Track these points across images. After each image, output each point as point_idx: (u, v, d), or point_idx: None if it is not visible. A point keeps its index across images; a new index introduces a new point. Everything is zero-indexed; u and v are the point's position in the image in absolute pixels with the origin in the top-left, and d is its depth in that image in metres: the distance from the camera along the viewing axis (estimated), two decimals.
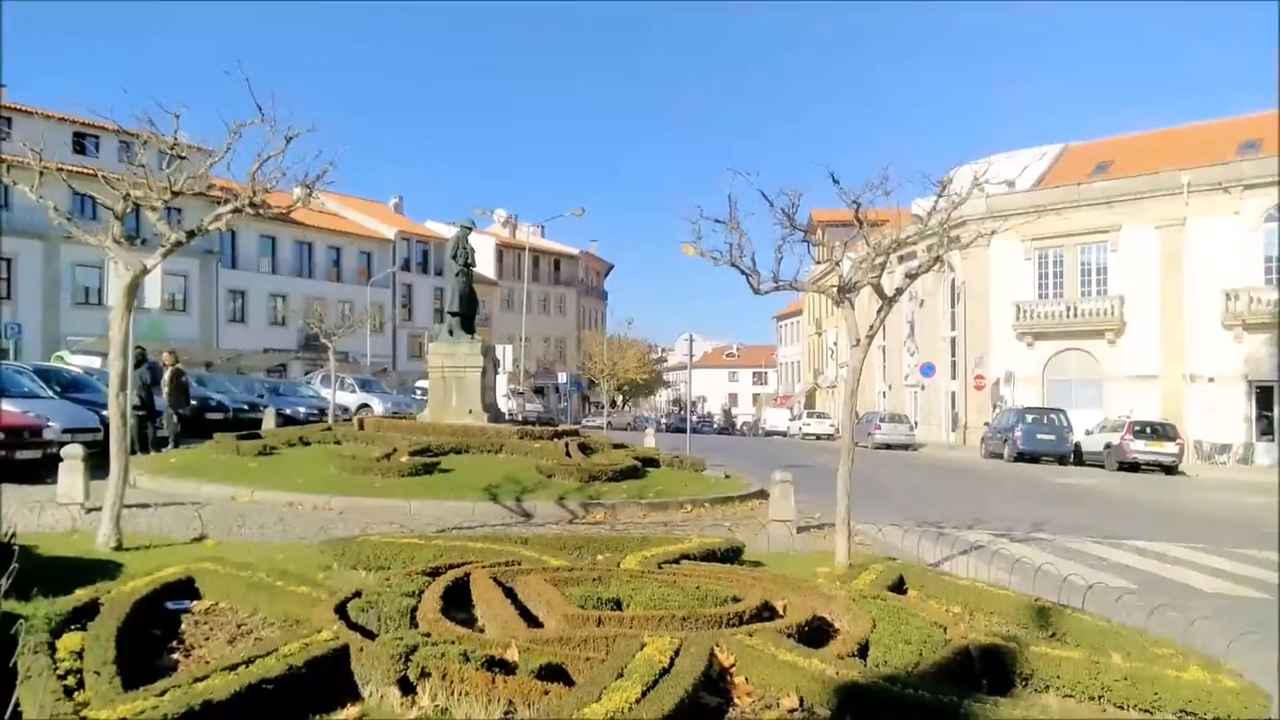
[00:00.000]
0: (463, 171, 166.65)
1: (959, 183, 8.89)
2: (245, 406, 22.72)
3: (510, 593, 5.37)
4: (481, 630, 4.87)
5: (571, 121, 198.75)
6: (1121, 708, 4.19)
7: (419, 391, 31.50)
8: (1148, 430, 29.29)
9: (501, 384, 28.69)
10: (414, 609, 4.82)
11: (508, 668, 4.05)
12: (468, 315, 16.96)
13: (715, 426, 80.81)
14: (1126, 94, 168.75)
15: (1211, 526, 14.34)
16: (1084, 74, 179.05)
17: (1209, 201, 34.44)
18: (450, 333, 16.82)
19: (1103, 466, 29.50)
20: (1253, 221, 33.63)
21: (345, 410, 26.11)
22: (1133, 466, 28.70)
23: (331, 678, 4.02)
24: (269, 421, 19.90)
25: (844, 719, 3.77)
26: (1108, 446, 29.76)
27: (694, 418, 63.22)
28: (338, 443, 14.87)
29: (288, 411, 23.52)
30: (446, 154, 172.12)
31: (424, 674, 3.88)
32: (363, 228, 57.22)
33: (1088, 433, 31.83)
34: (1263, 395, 33.62)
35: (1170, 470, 28.60)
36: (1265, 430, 33.61)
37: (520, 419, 29.38)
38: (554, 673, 4.05)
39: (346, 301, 48.94)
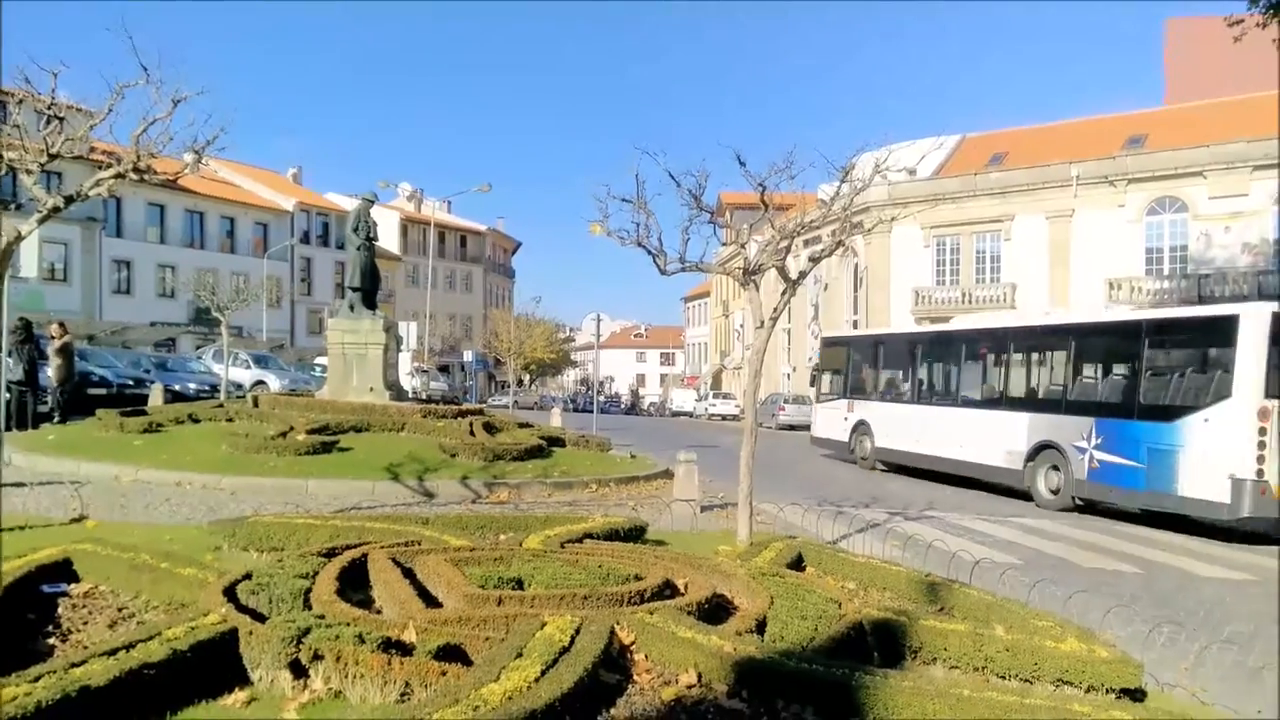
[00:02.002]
0: (366, 143, 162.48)
1: (861, 169, 9.06)
2: (130, 382, 21.71)
3: (409, 573, 5.27)
4: (379, 612, 4.78)
5: (479, 97, 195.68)
6: (1003, 677, 4.37)
7: (318, 368, 30.65)
8: None
9: (405, 361, 28.13)
10: (308, 591, 4.69)
11: (405, 649, 3.98)
12: (370, 291, 16.55)
13: (622, 406, 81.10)
14: (1021, 87, 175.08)
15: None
16: (983, 66, 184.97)
17: (1095, 194, 36.03)
18: (351, 308, 16.40)
19: None
20: (1135, 214, 35.34)
21: (239, 387, 25.24)
22: None
23: (219, 662, 3.88)
24: (156, 398, 19.07)
25: (740, 693, 3.83)
26: None
27: (601, 398, 63.28)
28: (230, 420, 14.36)
29: (177, 388, 22.59)
30: (349, 125, 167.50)
31: (317, 657, 3.79)
32: (259, 198, 55.17)
33: None
34: None
35: None
36: None
37: (424, 397, 28.89)
38: (453, 653, 3.99)
39: (241, 274, 47.14)
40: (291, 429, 12.82)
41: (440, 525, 6.98)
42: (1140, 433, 13.19)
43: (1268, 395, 11.71)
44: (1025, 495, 15.18)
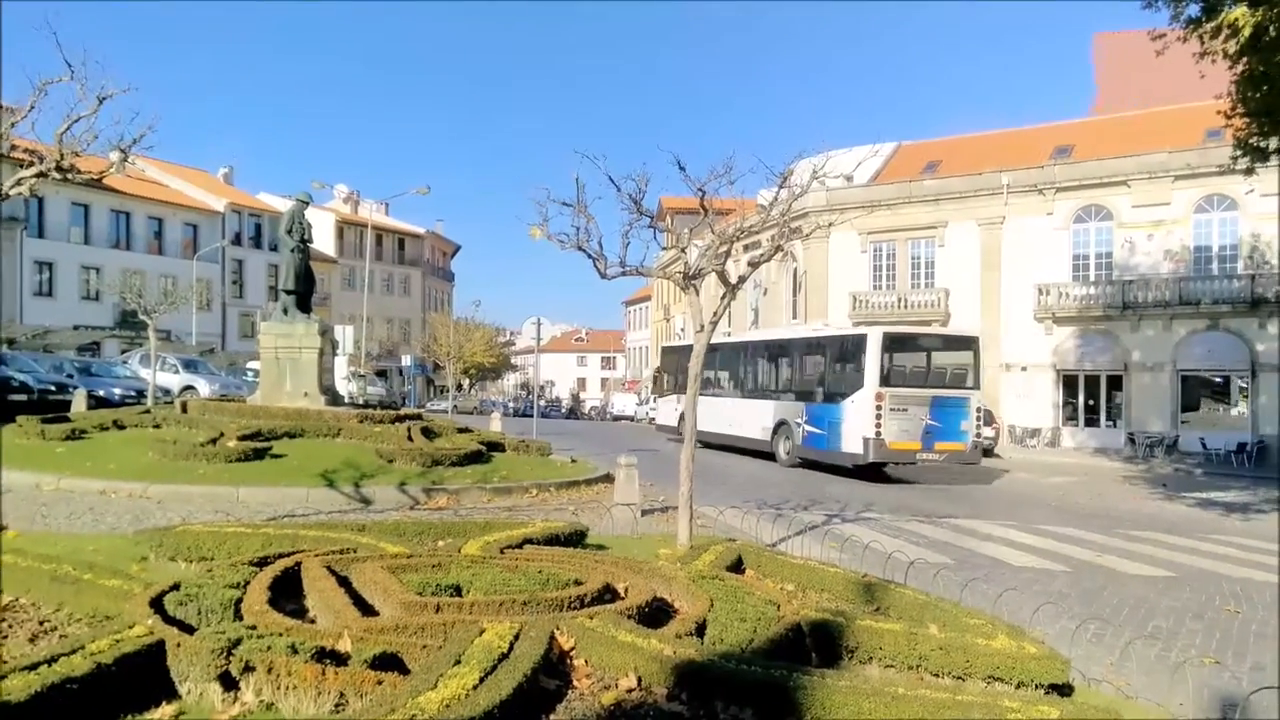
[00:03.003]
0: (301, 144, 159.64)
1: (800, 176, 9.17)
2: (52, 387, 21.03)
3: (345, 582, 5.18)
4: (313, 621, 4.69)
5: (417, 98, 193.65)
6: (937, 675, 4.45)
7: (250, 373, 30.01)
8: None
9: (341, 366, 27.71)
10: (239, 601, 4.58)
11: (340, 659, 3.90)
12: (304, 294, 16.25)
13: (563, 411, 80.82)
14: (954, 97, 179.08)
15: (1020, 505, 15.48)
16: (919, 74, 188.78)
17: (1025, 202, 36.98)
18: (285, 311, 16.08)
19: None
20: (1063, 221, 36.35)
21: (167, 392, 24.56)
22: None
23: (146, 676, 3.77)
24: (79, 404, 18.46)
25: (680, 696, 3.84)
26: None
27: (542, 402, 63.01)
28: (157, 426, 13.97)
29: (101, 393, 21.90)
30: (283, 125, 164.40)
31: (248, 668, 3.69)
32: (188, 198, 53.79)
33: None
34: (1069, 383, 36.52)
35: (987, 453, 30.65)
36: (1070, 416, 36.55)
37: (361, 402, 28.42)
38: (390, 662, 3.93)
39: (170, 276, 45.90)
40: (222, 435, 12.52)
41: (377, 532, 6.87)
42: (824, 412, 20.26)
43: (881, 385, 18.82)
44: (771, 457, 22.01)
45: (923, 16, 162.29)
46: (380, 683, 3.61)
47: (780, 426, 21.80)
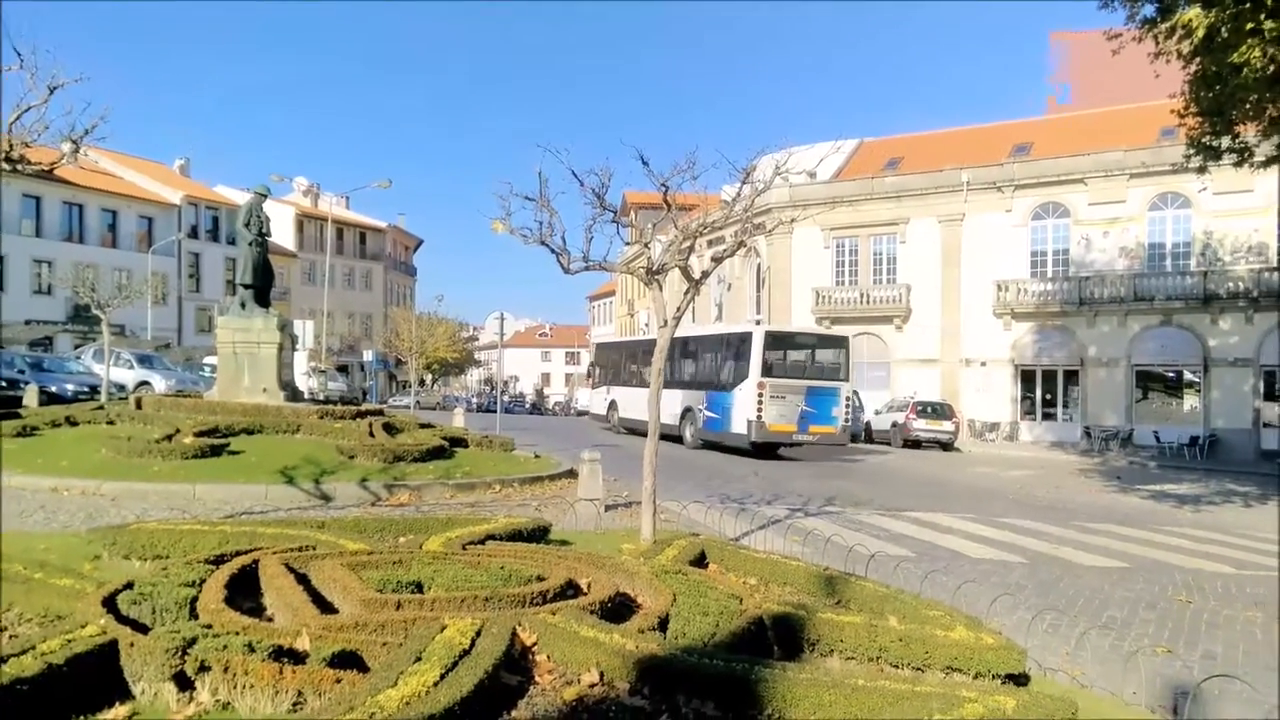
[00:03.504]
0: (260, 136, 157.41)
1: (762, 171, 9.20)
2: (3, 383, 20.58)
3: (304, 579, 5.11)
4: (271, 620, 4.62)
5: (379, 92, 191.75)
6: (896, 666, 4.49)
7: (208, 368, 29.55)
8: (928, 410, 31.72)
9: (301, 361, 27.35)
10: (194, 600, 4.50)
11: (298, 657, 3.85)
12: (262, 288, 16.02)
13: (527, 406, 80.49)
14: (914, 95, 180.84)
15: (980, 498, 15.69)
16: (882, 71, 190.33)
17: (984, 199, 37.47)
18: (243, 306, 15.84)
19: (890, 444, 31.65)
20: (1021, 219, 36.89)
21: (121, 388, 24.13)
22: (915, 443, 30.96)
23: (99, 677, 3.69)
24: (31, 400, 18.05)
25: (643, 690, 3.84)
26: (894, 425, 32.00)
27: (505, 397, 62.66)
28: (111, 423, 13.70)
29: (53, 389, 21.43)
30: (241, 116, 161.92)
31: (204, 668, 3.63)
32: (143, 190, 52.75)
33: (877, 412, 34.06)
34: (1027, 378, 37.09)
35: (947, 447, 31.07)
36: (1028, 410, 37.13)
37: (321, 398, 28.12)
38: (349, 660, 3.89)
39: (124, 269, 45.02)
40: (178, 431, 12.32)
41: (337, 529, 6.80)
42: (720, 399, 23.23)
43: (763, 376, 21.83)
44: (680, 440, 24.47)
45: (886, 15, 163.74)
46: (339, 681, 3.57)
47: (686, 413, 24.75)
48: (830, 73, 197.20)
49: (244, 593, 4.99)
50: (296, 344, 20.88)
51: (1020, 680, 4.47)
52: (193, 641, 3.70)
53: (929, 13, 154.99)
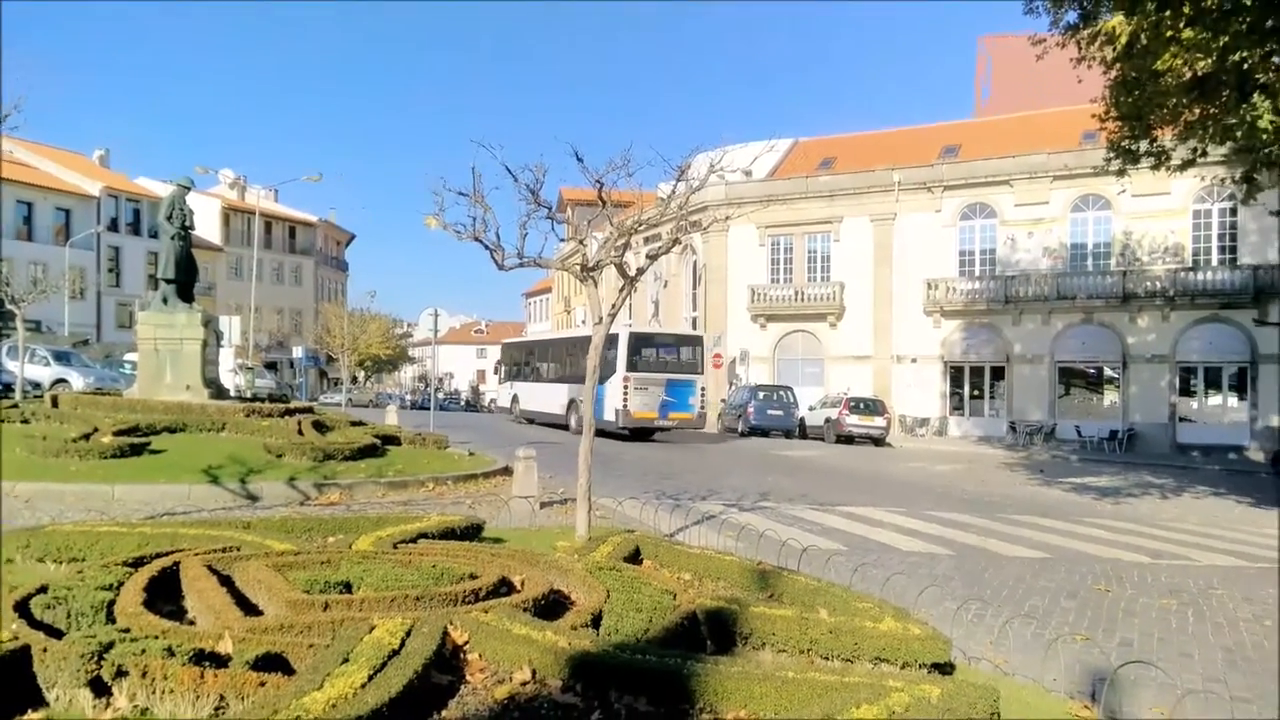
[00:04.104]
0: (184, 127, 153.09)
1: (697, 169, 9.23)
2: None
3: (228, 581, 4.98)
4: (192, 623, 4.49)
5: (309, 83, 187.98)
6: (826, 658, 4.55)
7: (128, 365, 28.68)
8: (861, 406, 32.27)
9: (227, 358, 26.71)
10: (112, 603, 4.35)
11: (221, 661, 3.75)
12: (185, 282, 15.59)
13: (462, 403, 79.71)
14: (849, 96, 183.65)
15: (910, 492, 16.00)
16: (817, 71, 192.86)
17: (915, 199, 38.24)
18: (165, 301, 15.40)
19: (823, 439, 32.11)
20: (950, 219, 37.74)
21: (37, 386, 23.30)
22: (848, 439, 31.45)
23: (10, 683, 3.55)
24: None
25: (575, 687, 3.82)
26: (827, 421, 32.46)
27: (440, 395, 61.93)
28: (25, 421, 13.19)
29: None
30: (164, 106, 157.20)
31: (121, 673, 3.51)
32: (61, 181, 50.88)
33: (811, 408, 34.53)
34: (955, 374, 37.98)
35: (879, 442, 31.64)
36: (957, 406, 38.02)
37: (249, 396, 27.43)
38: (275, 663, 3.80)
39: (39, 263, 43.45)
40: (96, 430, 11.92)
41: (263, 529, 6.63)
42: (599, 391, 25.80)
43: (628, 371, 25.57)
44: (567, 428, 27.25)
45: (821, 16, 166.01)
46: (263, 684, 3.48)
47: (571, 404, 28.05)
48: (766, 73, 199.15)
49: (165, 596, 4.85)
50: (222, 340, 20.41)
51: (946, 669, 4.56)
52: (109, 646, 3.58)
53: (863, 14, 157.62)
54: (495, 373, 41.38)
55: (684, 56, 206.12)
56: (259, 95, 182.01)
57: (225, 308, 47.21)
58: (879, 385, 37.82)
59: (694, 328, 45.19)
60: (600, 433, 25.02)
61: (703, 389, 26.96)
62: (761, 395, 34.32)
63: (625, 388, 25.41)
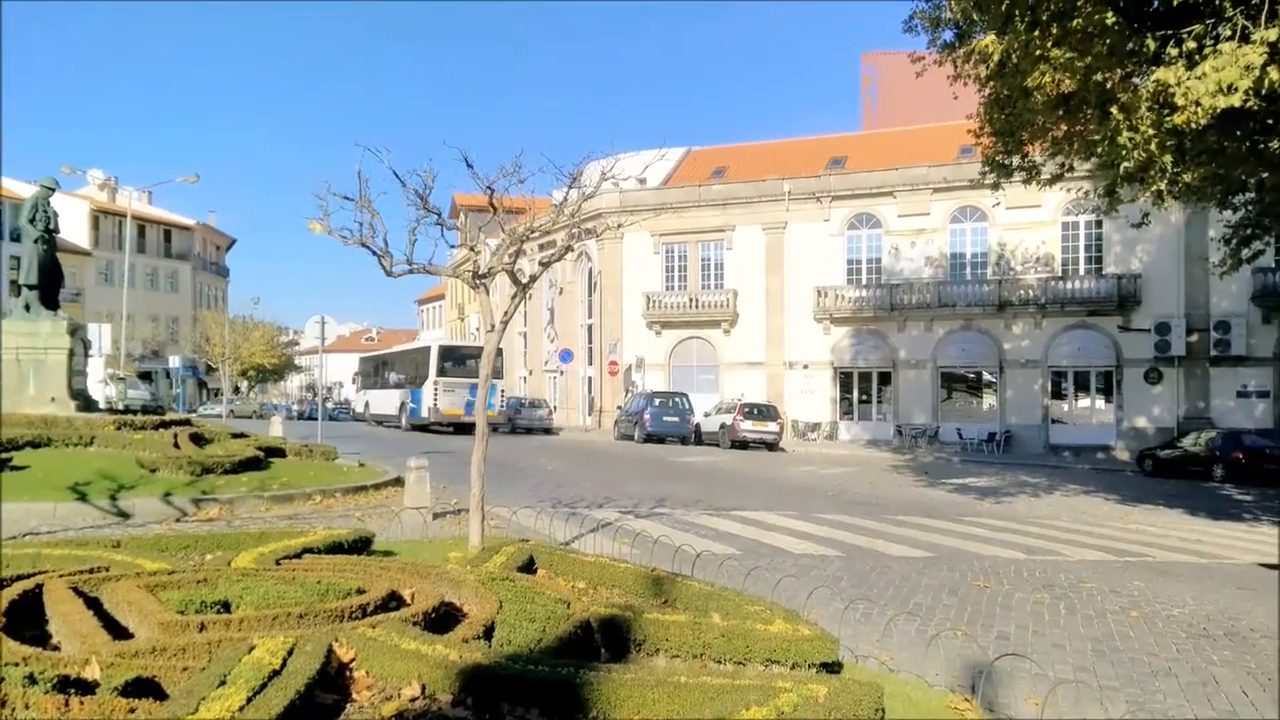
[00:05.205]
0: (48, 125, 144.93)
1: (589, 177, 9.25)
2: None
3: (95, 603, 4.72)
4: (58, 648, 4.24)
5: (189, 77, 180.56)
6: (719, 662, 4.60)
7: None
8: (755, 411, 32.78)
9: (97, 368, 25.38)
10: None
11: (88, 688, 3.55)
12: (49, 288, 14.81)
13: (352, 413, 77.58)
14: (740, 106, 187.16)
15: (802, 496, 16.34)
16: (709, 81, 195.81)
17: (804, 209, 39.19)
18: (27, 308, 14.57)
19: (719, 445, 32.51)
20: (838, 228, 38.82)
21: None
22: (743, 444, 31.91)
23: None
24: None
25: (466, 701, 3.76)
26: (722, 427, 32.87)
27: (329, 405, 60.17)
28: None
29: None
30: (28, 103, 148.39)
31: None
32: None
33: (706, 415, 34.92)
34: (845, 380, 39.05)
35: (772, 447, 32.22)
36: (847, 410, 39.10)
37: (120, 408, 26.10)
38: (147, 688, 3.61)
39: None
40: None
41: (134, 548, 6.32)
42: (416, 394, 34.12)
43: (438, 376, 33.24)
44: (398, 425, 35.49)
45: (714, 28, 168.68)
46: (133, 710, 3.31)
47: (401, 405, 35.88)
48: (657, 81, 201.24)
49: (27, 621, 4.58)
50: (90, 349, 19.39)
51: (834, 668, 4.67)
52: None
53: (752, 30, 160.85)
54: (353, 382, 49.65)
55: (577, 62, 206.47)
56: (131, 92, 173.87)
57: (94, 315, 44.75)
58: (772, 391, 38.57)
59: (589, 336, 45.33)
60: (422, 428, 33.42)
61: (502, 390, 35.78)
62: (658, 402, 34.51)
63: (435, 390, 33.01)
